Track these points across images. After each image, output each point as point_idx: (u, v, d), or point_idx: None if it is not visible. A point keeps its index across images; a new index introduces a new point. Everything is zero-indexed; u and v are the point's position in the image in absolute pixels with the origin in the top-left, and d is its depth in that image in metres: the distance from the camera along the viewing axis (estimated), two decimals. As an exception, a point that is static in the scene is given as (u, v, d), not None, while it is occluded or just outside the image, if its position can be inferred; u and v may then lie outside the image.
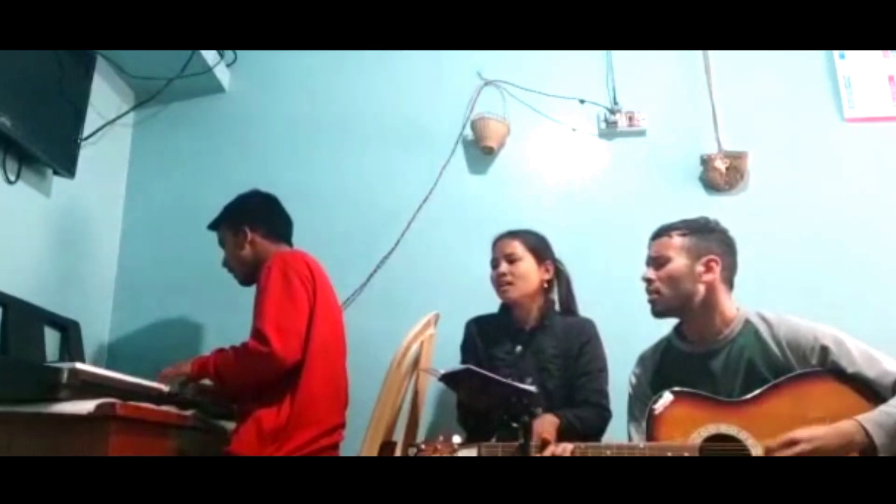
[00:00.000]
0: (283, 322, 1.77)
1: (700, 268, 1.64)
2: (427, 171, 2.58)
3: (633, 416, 1.71)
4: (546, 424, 1.68)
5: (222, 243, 2.09)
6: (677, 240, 1.67)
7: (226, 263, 2.09)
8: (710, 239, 1.68)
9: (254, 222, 2.04)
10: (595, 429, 1.81)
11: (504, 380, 1.54)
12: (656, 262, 1.68)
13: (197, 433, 1.81)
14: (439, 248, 2.51)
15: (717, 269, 1.65)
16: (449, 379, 1.60)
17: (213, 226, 2.12)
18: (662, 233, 1.71)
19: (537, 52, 2.60)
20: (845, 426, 1.40)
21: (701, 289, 1.64)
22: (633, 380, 1.76)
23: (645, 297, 1.70)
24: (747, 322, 1.65)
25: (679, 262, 1.65)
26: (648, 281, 1.68)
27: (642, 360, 1.78)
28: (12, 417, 1.42)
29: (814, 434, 1.40)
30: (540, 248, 2.00)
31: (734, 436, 1.49)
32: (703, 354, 1.66)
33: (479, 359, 1.92)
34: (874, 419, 1.39)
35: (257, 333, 1.76)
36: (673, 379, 1.63)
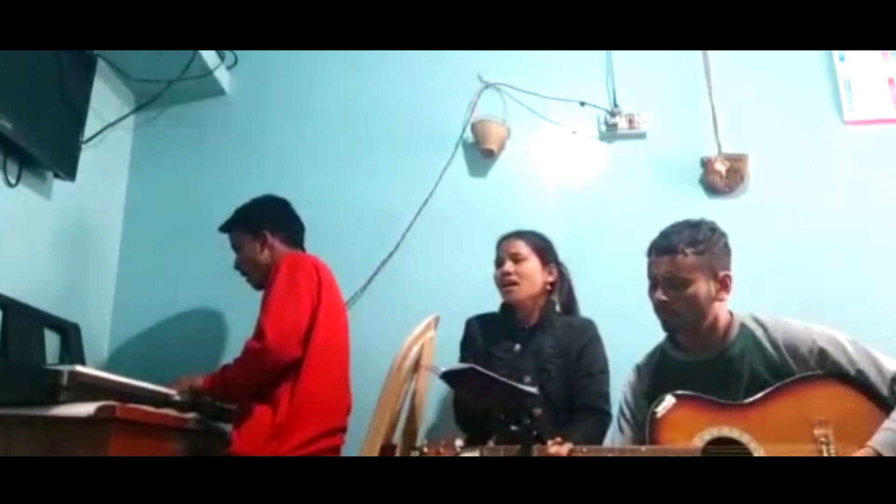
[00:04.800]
0: (281, 318, 1.79)
1: (717, 286, 1.60)
2: (427, 173, 2.58)
3: (621, 429, 1.68)
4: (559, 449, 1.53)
5: (235, 246, 2.08)
6: (692, 258, 1.57)
7: (239, 266, 2.08)
8: (717, 251, 1.61)
9: (274, 227, 2.05)
10: (597, 436, 1.79)
11: (506, 381, 1.53)
12: (671, 282, 1.59)
13: (197, 436, 1.81)
14: (439, 250, 2.50)
15: (731, 284, 1.63)
16: (450, 377, 1.59)
17: (226, 228, 2.10)
18: (673, 250, 1.58)
19: (537, 54, 2.60)
20: (862, 454, 1.39)
21: (718, 307, 1.61)
22: (628, 390, 1.72)
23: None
24: (742, 326, 1.63)
25: (701, 285, 1.57)
26: (664, 303, 1.60)
27: (637, 371, 1.74)
28: (12, 420, 1.42)
29: None
30: (544, 249, 1.99)
31: (736, 439, 1.48)
32: (701, 363, 1.64)
33: (477, 357, 1.92)
34: (882, 441, 1.39)
35: (257, 330, 1.78)
36: (671, 389, 1.59)
